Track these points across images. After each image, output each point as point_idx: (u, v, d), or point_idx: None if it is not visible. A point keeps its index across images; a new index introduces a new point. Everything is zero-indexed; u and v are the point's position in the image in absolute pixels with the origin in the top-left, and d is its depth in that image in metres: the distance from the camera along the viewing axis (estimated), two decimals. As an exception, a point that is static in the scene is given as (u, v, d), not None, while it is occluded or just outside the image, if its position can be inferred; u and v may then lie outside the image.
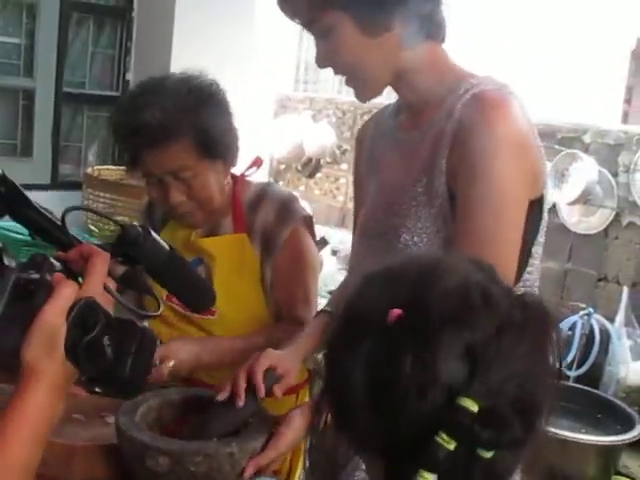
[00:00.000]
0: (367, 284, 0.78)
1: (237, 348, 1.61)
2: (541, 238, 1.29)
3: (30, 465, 0.78)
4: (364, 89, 1.32)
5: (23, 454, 0.76)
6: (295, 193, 1.84)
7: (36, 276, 0.80)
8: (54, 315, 0.77)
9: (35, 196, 0.96)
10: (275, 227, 1.71)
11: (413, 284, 0.72)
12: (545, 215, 1.28)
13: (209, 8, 3.78)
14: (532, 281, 1.31)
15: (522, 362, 0.67)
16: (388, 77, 1.29)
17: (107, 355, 0.80)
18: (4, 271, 0.79)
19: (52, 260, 0.84)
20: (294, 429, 1.30)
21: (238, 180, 1.78)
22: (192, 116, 1.60)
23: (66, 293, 0.78)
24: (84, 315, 0.77)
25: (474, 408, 0.63)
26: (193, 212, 1.68)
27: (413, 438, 0.65)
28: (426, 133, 1.28)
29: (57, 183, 4.06)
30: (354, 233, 1.53)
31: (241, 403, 1.29)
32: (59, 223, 0.92)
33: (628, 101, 7.14)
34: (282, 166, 4.81)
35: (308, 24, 1.27)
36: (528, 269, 1.28)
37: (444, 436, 0.63)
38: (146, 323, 0.91)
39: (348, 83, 1.33)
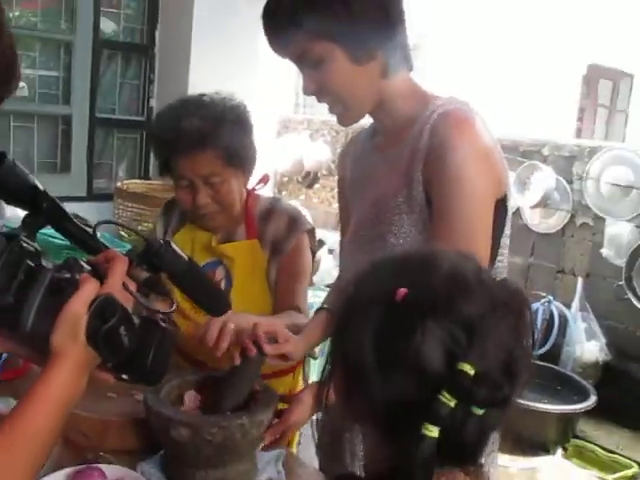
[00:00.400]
0: (374, 269, 0.78)
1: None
2: (508, 230, 1.29)
3: (51, 435, 0.79)
4: (347, 115, 1.29)
5: (46, 424, 0.77)
6: (297, 204, 1.83)
7: (68, 276, 0.82)
8: (77, 306, 0.78)
9: (73, 207, 0.97)
10: (285, 236, 1.72)
11: (416, 268, 0.73)
12: (509, 211, 1.28)
13: (221, 45, 3.80)
14: (502, 267, 1.31)
15: (508, 333, 0.68)
16: (370, 104, 1.27)
17: (124, 343, 0.82)
18: (42, 271, 0.80)
19: (82, 263, 0.86)
20: (303, 405, 1.32)
21: (250, 194, 1.78)
22: (225, 129, 1.59)
23: (89, 289, 0.80)
24: (103, 308, 0.79)
25: (471, 372, 0.64)
26: (215, 214, 1.67)
27: (417, 397, 0.66)
28: (401, 152, 1.26)
29: (92, 195, 4.07)
30: (342, 240, 1.53)
31: (254, 351, 1.30)
32: (90, 233, 0.93)
33: (580, 119, 7.18)
34: (285, 178, 4.82)
35: (300, 56, 1.22)
36: (499, 257, 1.28)
37: (446, 395, 0.64)
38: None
39: (332, 110, 1.29)
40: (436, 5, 4.92)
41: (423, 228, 1.23)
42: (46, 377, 0.78)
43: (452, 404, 0.64)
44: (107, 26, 4.08)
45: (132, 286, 0.86)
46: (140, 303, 0.87)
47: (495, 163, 1.21)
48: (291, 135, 4.64)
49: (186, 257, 0.99)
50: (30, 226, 0.86)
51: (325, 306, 1.53)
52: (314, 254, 1.83)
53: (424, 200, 1.22)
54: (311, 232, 1.78)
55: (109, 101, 4.17)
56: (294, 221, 1.74)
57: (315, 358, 1.96)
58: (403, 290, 0.68)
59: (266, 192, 1.92)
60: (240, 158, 1.65)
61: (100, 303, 0.79)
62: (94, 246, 0.92)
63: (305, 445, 2.02)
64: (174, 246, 0.97)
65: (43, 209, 0.88)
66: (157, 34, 4.14)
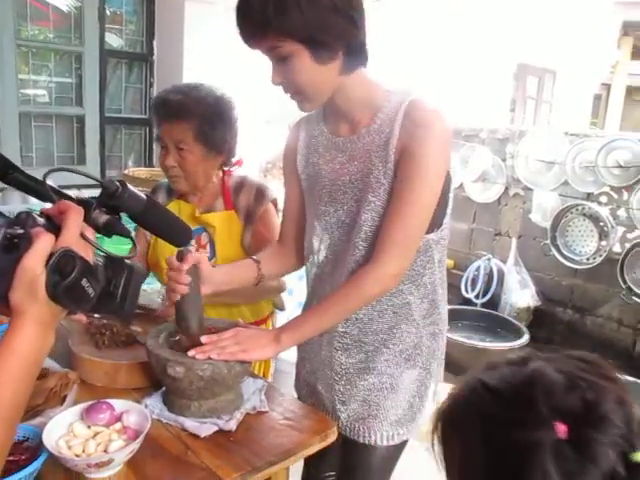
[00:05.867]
0: (513, 401, 0.63)
1: None
2: (451, 193, 1.26)
3: (18, 395, 0.66)
4: (308, 104, 1.22)
5: (12, 385, 0.65)
6: (279, 184, 1.77)
7: (21, 231, 0.68)
8: (32, 262, 0.65)
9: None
10: (254, 206, 1.71)
11: (549, 397, 0.61)
12: (452, 177, 1.25)
13: (209, 52, 3.74)
14: (448, 224, 1.28)
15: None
16: (328, 94, 1.21)
17: (88, 294, 0.70)
18: None
19: (36, 216, 0.70)
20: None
21: (225, 173, 1.77)
22: (201, 108, 1.61)
23: (43, 243, 0.66)
24: (61, 263, 0.66)
25: None
26: (178, 178, 1.68)
27: None
28: (368, 137, 1.21)
29: (105, 184, 3.98)
30: (290, 212, 1.45)
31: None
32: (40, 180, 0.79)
33: (513, 109, 7.18)
34: (269, 165, 4.78)
35: (268, 51, 1.13)
36: (447, 218, 1.26)
37: None
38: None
39: (293, 97, 1.21)
40: (386, 10, 4.85)
41: (388, 200, 1.19)
42: (9, 336, 0.66)
43: None
44: (113, 40, 4.00)
45: (90, 233, 0.73)
46: (100, 250, 0.74)
47: (450, 145, 1.18)
48: (273, 128, 4.60)
49: (144, 196, 0.88)
50: None
51: (255, 257, 1.43)
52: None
53: (393, 172, 1.18)
54: (274, 201, 1.77)
55: (116, 102, 4.09)
56: (261, 192, 1.73)
57: (283, 309, 1.94)
58: (562, 427, 0.58)
59: (252, 175, 1.88)
60: (208, 137, 1.63)
61: (57, 258, 0.66)
62: (47, 195, 0.77)
63: (279, 378, 2.02)
64: (131, 187, 0.86)
65: None
66: (155, 44, 4.07)
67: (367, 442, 1.32)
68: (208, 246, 1.72)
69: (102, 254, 0.75)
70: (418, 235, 1.19)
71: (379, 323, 1.28)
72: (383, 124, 1.19)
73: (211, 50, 3.76)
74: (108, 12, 3.89)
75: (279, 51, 1.12)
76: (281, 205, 1.80)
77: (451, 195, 1.26)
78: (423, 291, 1.28)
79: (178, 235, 1.00)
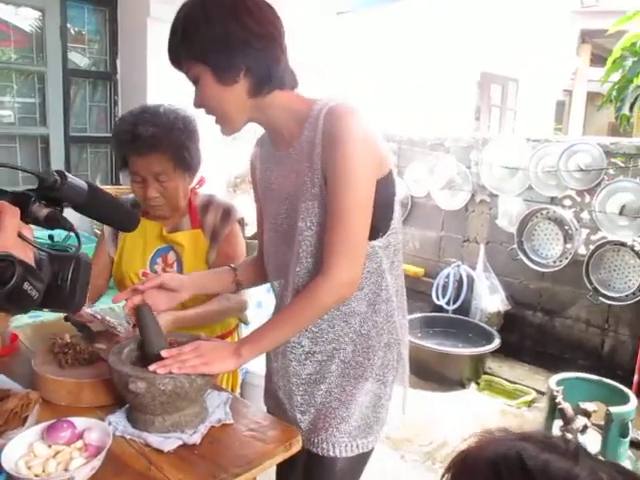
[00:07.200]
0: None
1: (199, 314, 1.60)
2: (398, 198, 1.27)
3: None
4: (223, 126, 1.26)
5: None
6: (248, 199, 1.78)
7: None
8: None
9: None
10: (220, 225, 1.73)
11: None
12: (397, 183, 1.26)
13: (174, 70, 3.74)
14: (397, 228, 1.29)
15: None
16: (243, 118, 1.24)
17: (32, 296, 0.67)
18: None
19: None
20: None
21: (192, 191, 1.78)
22: (175, 136, 1.59)
23: None
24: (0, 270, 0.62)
25: None
26: (162, 206, 1.68)
27: None
28: (299, 148, 1.23)
29: (72, 203, 3.93)
30: (260, 227, 1.47)
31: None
32: None
33: (478, 118, 7.31)
34: (238, 180, 4.78)
35: (186, 74, 1.21)
36: (394, 222, 1.26)
37: None
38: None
39: (216, 122, 1.26)
40: (350, 23, 4.92)
41: (325, 211, 1.19)
42: None
43: None
44: (76, 58, 3.97)
45: (28, 232, 0.69)
46: (40, 250, 0.71)
47: (374, 146, 1.17)
48: (241, 144, 4.60)
49: (86, 185, 0.85)
50: None
51: (232, 265, 1.48)
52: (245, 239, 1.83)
53: (324, 183, 1.18)
54: (241, 221, 1.78)
55: (81, 121, 4.04)
56: (228, 212, 1.74)
57: (247, 324, 1.94)
58: None
59: (221, 191, 1.90)
60: (186, 161, 1.63)
61: None
62: None
63: (249, 391, 2.02)
64: (71, 177, 0.82)
65: None
66: (118, 63, 4.05)
67: (324, 453, 1.31)
68: (175, 264, 1.72)
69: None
70: (361, 239, 1.18)
71: (329, 333, 1.28)
72: (309, 133, 1.21)
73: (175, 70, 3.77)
74: (72, 31, 3.87)
75: (190, 74, 1.20)
76: (250, 221, 1.82)
77: (396, 199, 1.27)
78: (373, 299, 1.27)
79: (124, 221, 0.99)
